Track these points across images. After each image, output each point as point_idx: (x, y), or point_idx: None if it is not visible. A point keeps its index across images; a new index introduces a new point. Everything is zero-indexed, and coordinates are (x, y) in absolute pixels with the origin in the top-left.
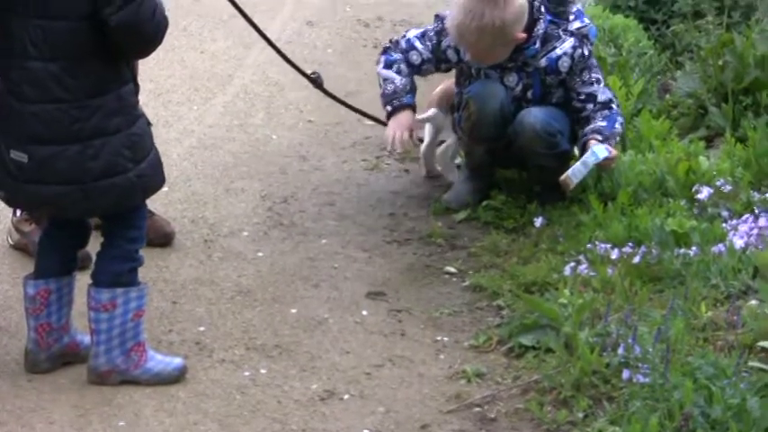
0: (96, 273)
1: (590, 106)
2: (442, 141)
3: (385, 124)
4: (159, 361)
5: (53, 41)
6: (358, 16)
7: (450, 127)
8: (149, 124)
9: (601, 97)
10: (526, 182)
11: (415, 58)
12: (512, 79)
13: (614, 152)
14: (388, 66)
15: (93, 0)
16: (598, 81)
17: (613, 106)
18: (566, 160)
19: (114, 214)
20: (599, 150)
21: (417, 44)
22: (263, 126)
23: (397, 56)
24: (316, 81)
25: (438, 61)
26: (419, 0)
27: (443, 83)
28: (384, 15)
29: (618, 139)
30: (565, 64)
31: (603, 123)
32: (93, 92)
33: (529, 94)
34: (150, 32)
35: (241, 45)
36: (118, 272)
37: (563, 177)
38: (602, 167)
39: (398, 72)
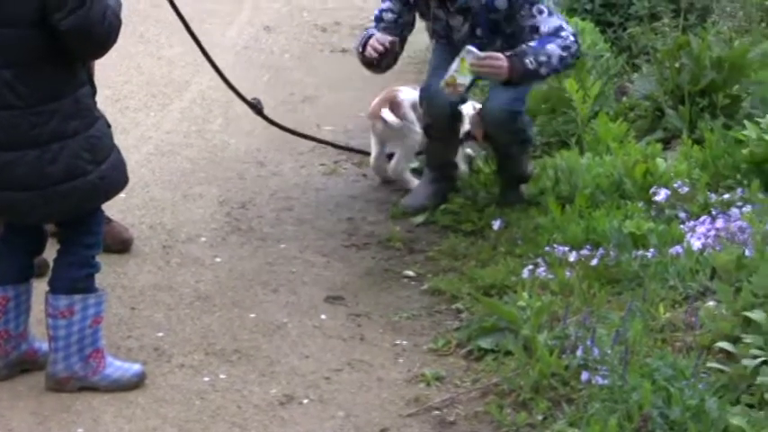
0: (53, 279)
1: (535, 37)
2: (391, 154)
3: (329, 143)
4: (118, 367)
5: (3, 49)
6: (315, 21)
7: (397, 137)
8: (108, 126)
9: (544, 27)
10: (496, 173)
11: (389, 15)
12: (457, 21)
13: (490, 55)
14: (367, 37)
15: (41, 6)
16: (540, 12)
17: (564, 34)
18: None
19: (71, 220)
20: (465, 52)
21: (386, 2)
22: (221, 132)
23: (372, 26)
24: (256, 107)
25: (405, 3)
26: (375, 4)
27: (382, 92)
28: (341, 20)
29: (547, 59)
30: (501, 1)
31: (532, 44)
32: (49, 96)
33: (478, 31)
34: (102, 34)
35: (198, 51)
36: (75, 278)
37: (441, 85)
38: (484, 73)
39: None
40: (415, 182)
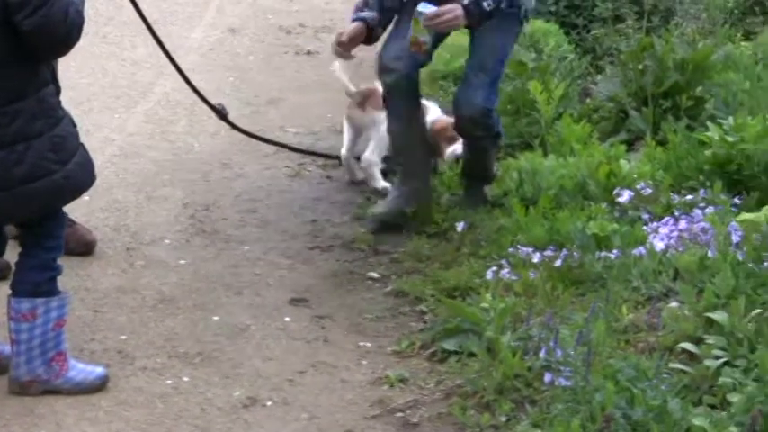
0: (15, 283)
1: None
2: (358, 158)
3: (292, 149)
4: (81, 370)
5: None
6: (279, 23)
7: (370, 126)
8: (74, 125)
9: None
10: (461, 174)
11: None
12: None
13: (440, 10)
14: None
15: (3, 6)
16: None
17: None
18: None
19: (33, 223)
20: (417, 13)
21: None
22: (185, 134)
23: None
24: (220, 113)
25: None
26: (340, 6)
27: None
28: (305, 22)
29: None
30: None
31: None
32: (12, 97)
33: None
34: (65, 33)
35: (162, 53)
36: (37, 281)
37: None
38: (440, 29)
39: (366, 5)
40: (381, 181)
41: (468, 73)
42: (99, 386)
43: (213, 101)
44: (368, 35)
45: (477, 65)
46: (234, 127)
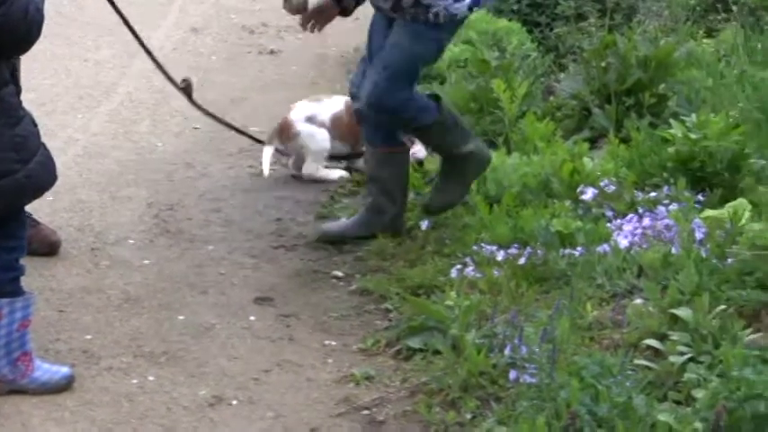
0: None
1: None
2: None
3: (251, 137)
4: (46, 370)
5: None
6: (243, 23)
7: (301, 149)
8: (35, 124)
9: None
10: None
11: None
12: None
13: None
14: None
15: None
16: None
17: None
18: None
19: None
20: None
21: None
22: (149, 134)
23: None
24: (185, 90)
25: None
26: None
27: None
28: (268, 21)
29: None
30: None
31: None
32: None
33: None
34: (24, 31)
35: (125, 53)
36: (0, 282)
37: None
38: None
39: None
40: (333, 173)
41: (374, 59)
42: (65, 386)
43: (175, 102)
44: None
45: (379, 55)
46: (195, 105)
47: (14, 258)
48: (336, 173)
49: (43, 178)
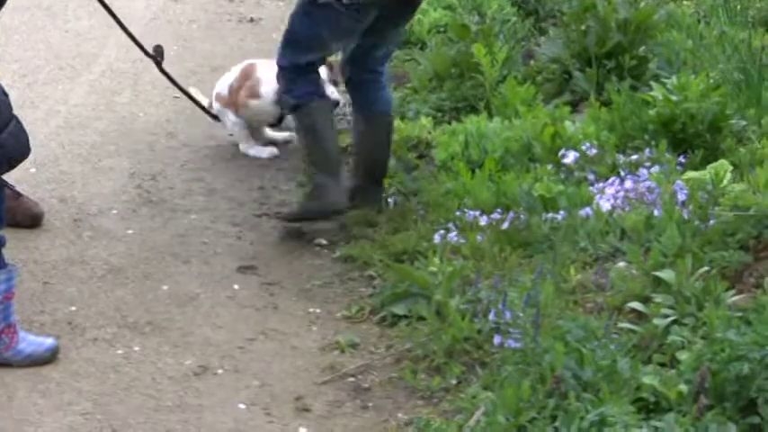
0: None
1: None
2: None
3: (209, 113)
4: (31, 342)
5: None
6: None
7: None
8: (5, 95)
9: None
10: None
11: None
12: None
13: None
14: None
15: None
16: None
17: None
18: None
19: None
20: None
21: None
22: (130, 104)
23: None
24: (155, 58)
25: None
26: None
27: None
28: None
29: None
30: None
31: None
32: None
33: None
34: None
35: (105, 24)
36: None
37: None
38: None
39: None
40: (265, 150)
41: None
42: (50, 358)
43: (156, 72)
44: None
45: None
46: (166, 75)
47: None
48: (267, 149)
49: (16, 149)
